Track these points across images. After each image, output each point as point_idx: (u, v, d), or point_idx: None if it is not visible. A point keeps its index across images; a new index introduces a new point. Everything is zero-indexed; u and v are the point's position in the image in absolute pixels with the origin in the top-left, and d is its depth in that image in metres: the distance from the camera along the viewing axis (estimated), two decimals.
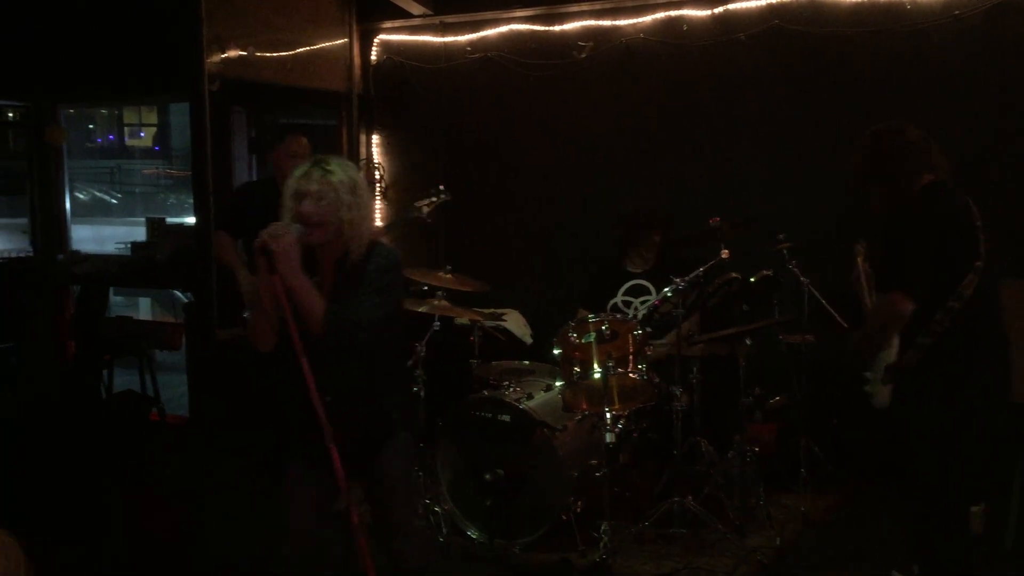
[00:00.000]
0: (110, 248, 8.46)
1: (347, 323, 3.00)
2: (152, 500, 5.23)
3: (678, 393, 4.63)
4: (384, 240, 3.22)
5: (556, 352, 4.74)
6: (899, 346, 3.40)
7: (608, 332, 4.56)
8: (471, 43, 6.72)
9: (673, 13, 6.04)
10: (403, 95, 7.07)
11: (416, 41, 6.98)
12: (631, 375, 4.55)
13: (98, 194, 19.83)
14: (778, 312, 5.04)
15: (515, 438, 4.60)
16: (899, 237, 3.37)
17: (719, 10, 5.90)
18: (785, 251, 4.98)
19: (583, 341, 4.58)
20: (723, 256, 4.77)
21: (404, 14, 6.90)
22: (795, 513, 4.89)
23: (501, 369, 5.21)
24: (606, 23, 6.27)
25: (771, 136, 5.82)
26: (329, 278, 3.13)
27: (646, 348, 4.60)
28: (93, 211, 18.27)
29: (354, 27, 7.05)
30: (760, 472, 4.91)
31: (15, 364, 6.72)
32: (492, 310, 5.88)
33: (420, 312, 4.96)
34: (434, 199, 5.53)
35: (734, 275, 4.76)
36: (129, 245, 7.67)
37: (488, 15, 6.64)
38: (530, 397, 4.77)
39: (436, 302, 4.95)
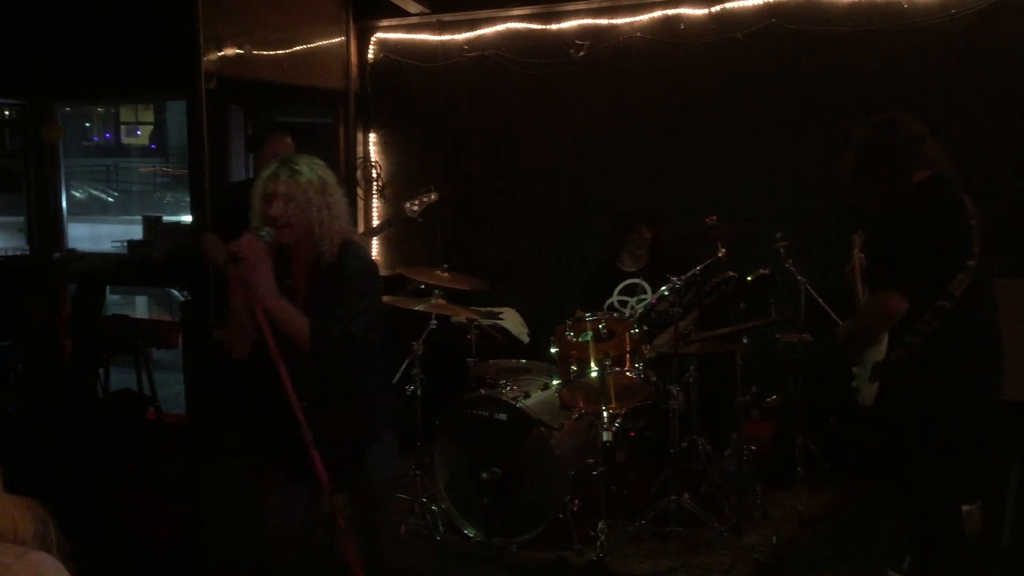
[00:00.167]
0: (107, 246, 8.46)
1: (338, 337, 2.96)
2: (149, 499, 5.22)
3: (675, 392, 4.63)
4: (355, 239, 3.15)
5: (553, 351, 4.75)
6: (888, 344, 3.38)
7: (605, 331, 4.56)
8: (468, 42, 6.72)
9: (670, 12, 6.04)
10: (400, 94, 7.07)
11: (413, 39, 6.98)
12: (628, 374, 4.55)
13: (94, 192, 19.79)
14: (775, 311, 5.04)
15: (512, 437, 4.60)
16: (895, 234, 3.34)
17: (716, 9, 5.91)
18: (782, 250, 4.98)
19: (580, 340, 4.58)
20: (720, 255, 4.78)
21: (401, 12, 6.90)
22: (792, 511, 4.89)
23: (498, 368, 5.21)
24: (603, 22, 6.28)
25: (768, 135, 5.82)
26: (302, 280, 3.08)
27: (643, 348, 4.60)
28: (89, 209, 18.23)
29: (351, 25, 7.05)
30: (757, 470, 4.93)
31: (12, 362, 6.71)
32: (489, 309, 5.88)
33: (417, 310, 4.97)
34: (424, 199, 5.54)
35: (731, 274, 4.77)
36: (126, 243, 7.67)
37: (485, 14, 6.64)
38: (527, 396, 4.77)
39: (433, 301, 4.94)
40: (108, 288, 7.68)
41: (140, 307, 10.68)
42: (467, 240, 6.80)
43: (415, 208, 5.50)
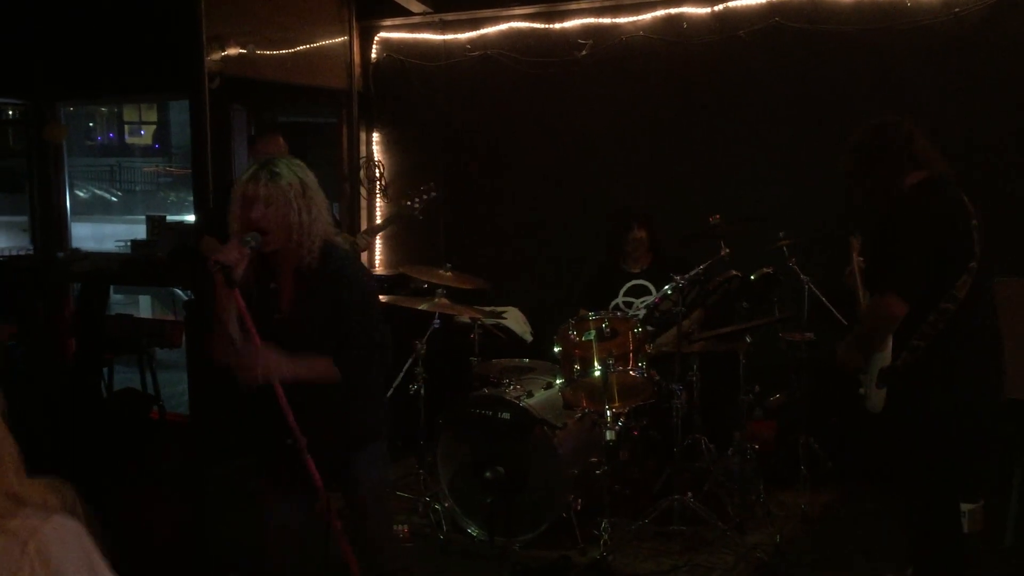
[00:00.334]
0: (110, 246, 8.47)
1: (367, 358, 3.00)
2: (151, 498, 5.23)
3: (678, 391, 4.63)
4: (335, 239, 3.10)
5: (556, 350, 4.75)
6: (892, 349, 3.37)
7: (608, 330, 4.56)
8: (471, 41, 6.72)
9: (673, 10, 6.04)
10: (403, 93, 7.07)
11: (416, 39, 6.98)
12: (631, 373, 4.55)
13: (98, 192, 19.84)
14: (778, 310, 5.04)
15: (515, 436, 4.60)
16: (893, 237, 3.33)
17: (719, 7, 5.90)
18: (785, 249, 4.98)
19: (583, 339, 4.58)
20: (723, 254, 4.78)
21: (404, 12, 6.90)
22: (795, 510, 4.89)
23: (501, 367, 5.21)
24: (606, 21, 6.27)
25: (771, 133, 5.82)
26: (287, 283, 3.04)
27: (646, 347, 4.60)
28: (93, 209, 18.27)
29: (354, 25, 7.05)
30: (760, 469, 4.92)
31: (16, 361, 6.72)
32: (492, 308, 5.88)
33: (420, 310, 4.97)
34: (425, 196, 5.56)
35: (734, 273, 4.77)
36: (129, 243, 7.67)
37: (488, 13, 6.64)
38: (530, 395, 4.77)
39: (436, 300, 4.95)
40: (112, 288, 7.69)
41: (144, 306, 10.71)
42: (470, 239, 6.80)
43: (415, 205, 5.52)
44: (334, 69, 6.99)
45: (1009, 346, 3.46)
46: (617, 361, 4.50)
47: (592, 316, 4.65)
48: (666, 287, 4.65)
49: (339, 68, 7.02)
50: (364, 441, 3.15)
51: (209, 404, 5.58)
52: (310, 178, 3.01)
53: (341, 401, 3.05)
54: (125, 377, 6.64)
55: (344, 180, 7.20)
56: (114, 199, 20.00)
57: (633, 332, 4.56)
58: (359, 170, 7.22)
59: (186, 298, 6.88)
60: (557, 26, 6.43)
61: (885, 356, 3.38)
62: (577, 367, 4.62)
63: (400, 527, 4.73)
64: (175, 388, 7.30)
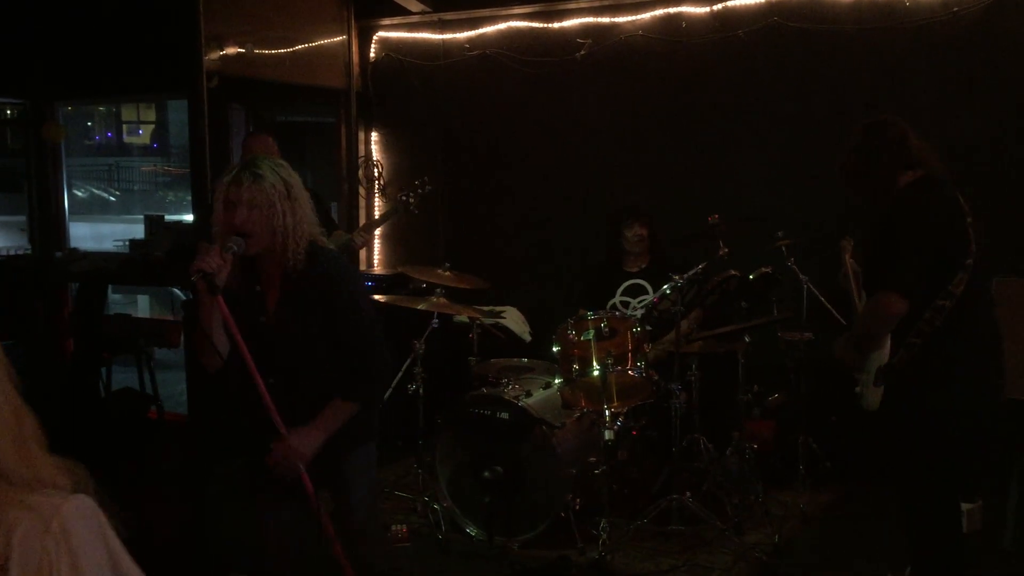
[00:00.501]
0: (108, 246, 8.47)
1: (377, 375, 3.04)
2: (151, 498, 5.23)
3: (677, 390, 4.62)
4: (322, 240, 3.05)
5: (555, 349, 4.74)
6: (890, 347, 3.37)
7: (607, 329, 4.56)
8: (470, 40, 6.72)
9: (672, 10, 6.04)
10: (402, 92, 7.06)
11: (415, 38, 6.98)
12: (630, 372, 4.55)
13: (96, 191, 19.81)
14: (777, 310, 5.04)
15: (514, 435, 4.60)
16: (892, 236, 3.34)
17: (718, 7, 5.90)
18: (784, 248, 4.98)
19: (582, 338, 4.58)
20: (722, 253, 4.77)
21: (403, 11, 6.90)
22: (793, 510, 4.89)
23: (500, 366, 5.21)
24: (605, 20, 6.27)
25: (770, 133, 5.82)
26: (273, 287, 3.01)
27: (644, 346, 4.60)
28: (91, 208, 18.25)
29: (353, 24, 7.05)
30: (759, 469, 4.92)
31: (14, 361, 6.71)
32: (491, 307, 5.88)
33: (419, 309, 4.97)
34: (419, 190, 5.56)
35: (733, 272, 4.76)
36: (127, 242, 7.68)
37: (487, 12, 6.64)
38: (529, 395, 4.76)
39: (435, 300, 4.95)
40: (110, 287, 7.69)
41: (142, 306, 10.70)
42: (469, 239, 6.80)
43: (410, 199, 5.51)
44: (333, 68, 6.99)
45: (1009, 346, 3.47)
46: (616, 361, 4.50)
47: (590, 316, 4.65)
48: (664, 287, 4.65)
49: (338, 67, 7.02)
50: (355, 443, 3.12)
51: (207, 404, 5.58)
52: (294, 179, 2.95)
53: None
54: (123, 377, 6.64)
55: (343, 180, 7.20)
56: (112, 199, 19.98)
57: (632, 332, 4.56)
58: (357, 169, 7.22)
59: (184, 298, 6.87)
60: (556, 25, 6.42)
61: (882, 354, 3.38)
62: (576, 367, 4.61)
63: (399, 527, 4.73)
64: (174, 388, 7.29)
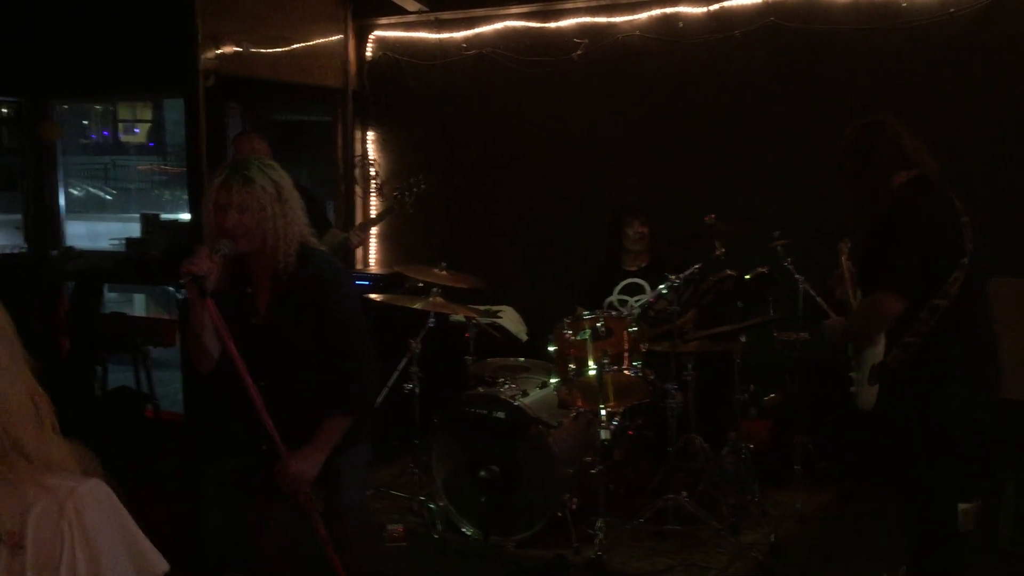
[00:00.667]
0: (104, 244, 8.45)
1: (366, 388, 3.05)
2: (147, 498, 5.21)
3: (673, 390, 4.63)
4: (312, 241, 3.05)
5: (551, 349, 4.75)
6: (885, 346, 3.37)
7: (603, 329, 4.56)
8: (467, 40, 6.72)
9: (669, 10, 6.03)
10: (398, 92, 7.06)
11: (412, 37, 6.97)
12: (626, 372, 4.55)
13: (92, 190, 19.76)
14: (773, 309, 5.04)
15: (510, 435, 4.60)
16: (886, 236, 3.34)
17: (715, 7, 5.90)
18: (780, 248, 4.98)
19: (578, 338, 4.58)
20: (718, 253, 4.78)
21: (400, 10, 6.89)
22: (790, 510, 4.90)
23: (496, 366, 5.21)
24: (602, 20, 6.27)
25: (767, 133, 5.82)
26: (263, 289, 3.01)
27: (641, 346, 4.60)
28: (87, 207, 18.21)
29: (349, 23, 7.04)
30: (755, 469, 4.92)
31: None
32: (487, 307, 5.88)
33: (415, 309, 4.96)
34: (414, 188, 5.56)
35: (729, 272, 4.77)
36: (123, 241, 7.66)
37: (483, 12, 6.63)
38: (525, 394, 4.77)
39: (431, 299, 4.94)
40: (106, 286, 7.67)
41: (138, 305, 10.67)
42: (465, 238, 6.79)
43: (405, 198, 5.51)
44: (329, 67, 6.98)
45: (1007, 346, 3.47)
46: (612, 360, 4.51)
47: (587, 315, 4.65)
48: (661, 286, 4.66)
49: (334, 66, 7.01)
50: (347, 444, 3.10)
51: (203, 403, 5.57)
52: (284, 180, 2.94)
53: (323, 407, 3.03)
54: (119, 376, 6.63)
55: (339, 179, 7.19)
56: (108, 197, 19.94)
57: (628, 331, 4.56)
58: (354, 169, 7.22)
59: (180, 297, 6.86)
60: (553, 25, 6.42)
61: (877, 353, 3.39)
62: (572, 366, 4.62)
63: (395, 526, 4.73)
64: (170, 387, 7.27)
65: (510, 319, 6.08)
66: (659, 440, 4.89)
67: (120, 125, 22.72)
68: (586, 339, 4.55)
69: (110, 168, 20.99)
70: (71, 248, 7.69)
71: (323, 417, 3.01)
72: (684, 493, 4.57)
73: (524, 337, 6.08)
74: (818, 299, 4.96)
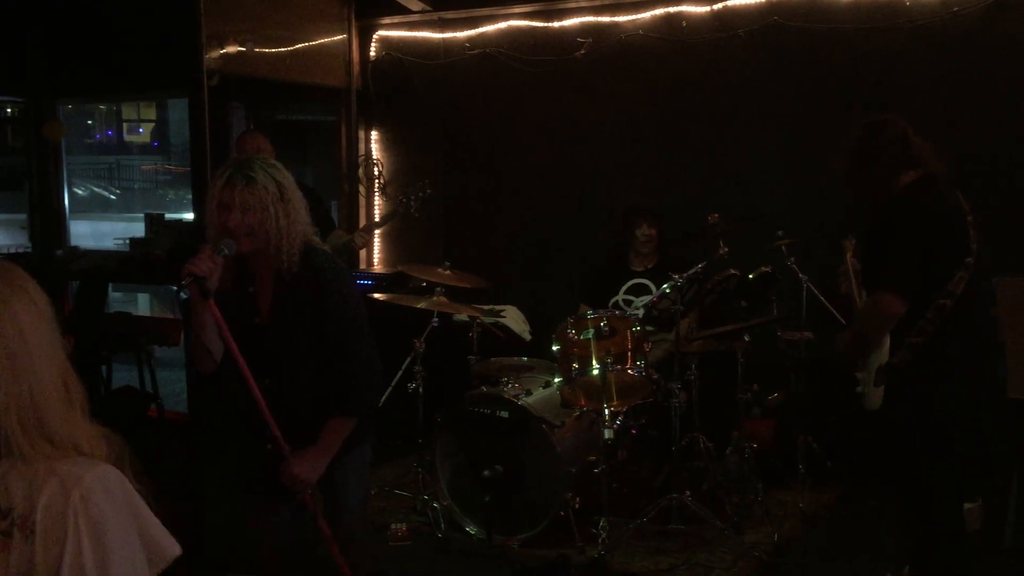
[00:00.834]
0: (109, 244, 8.48)
1: (369, 391, 3.04)
2: (151, 497, 5.22)
3: (676, 390, 4.63)
4: (315, 241, 3.04)
5: (555, 348, 4.75)
6: (890, 346, 3.37)
7: (607, 328, 4.56)
8: (470, 39, 6.72)
9: (672, 9, 6.04)
10: (402, 91, 7.06)
11: (415, 37, 6.98)
12: (630, 371, 4.55)
13: (97, 190, 19.81)
14: (776, 309, 5.04)
15: (513, 434, 4.60)
16: (887, 235, 3.34)
17: (718, 6, 5.90)
18: (784, 248, 4.98)
19: (582, 337, 4.58)
20: (721, 252, 4.77)
21: (403, 10, 6.90)
22: (793, 509, 4.89)
23: (500, 365, 5.21)
24: (605, 19, 6.27)
25: (770, 132, 5.82)
26: (266, 288, 3.00)
27: (645, 346, 4.60)
28: (92, 207, 18.25)
29: (353, 23, 7.05)
30: (758, 468, 4.92)
31: None
32: (491, 306, 5.88)
33: (419, 308, 4.97)
34: (420, 193, 5.56)
35: (732, 272, 4.76)
36: (128, 241, 7.68)
37: (487, 11, 6.64)
38: (528, 393, 4.77)
39: (435, 298, 4.95)
40: (110, 285, 7.68)
41: (142, 304, 10.68)
42: (468, 238, 6.80)
43: (411, 203, 5.52)
44: (333, 67, 6.99)
45: (1009, 346, 3.46)
46: (615, 360, 4.50)
47: (590, 315, 4.65)
48: (664, 286, 4.66)
49: (338, 66, 7.02)
50: (349, 445, 3.09)
51: (206, 404, 5.57)
52: (287, 180, 2.94)
53: (326, 407, 3.03)
54: (124, 375, 6.63)
55: (343, 178, 7.20)
56: (113, 197, 19.98)
57: (631, 331, 4.56)
58: (358, 168, 7.22)
59: (184, 296, 6.87)
60: (556, 25, 6.43)
61: (883, 353, 3.38)
62: (575, 365, 4.62)
63: (398, 525, 4.74)
64: (174, 386, 7.29)
65: (513, 318, 6.09)
66: (662, 439, 4.89)
67: (124, 125, 22.77)
68: (589, 338, 4.55)
69: (114, 168, 21.03)
70: (75, 248, 7.70)
71: (326, 417, 3.01)
72: (687, 493, 4.57)
73: (527, 336, 6.08)
74: (821, 298, 4.97)
